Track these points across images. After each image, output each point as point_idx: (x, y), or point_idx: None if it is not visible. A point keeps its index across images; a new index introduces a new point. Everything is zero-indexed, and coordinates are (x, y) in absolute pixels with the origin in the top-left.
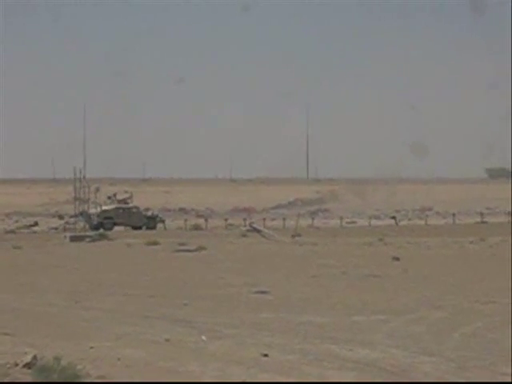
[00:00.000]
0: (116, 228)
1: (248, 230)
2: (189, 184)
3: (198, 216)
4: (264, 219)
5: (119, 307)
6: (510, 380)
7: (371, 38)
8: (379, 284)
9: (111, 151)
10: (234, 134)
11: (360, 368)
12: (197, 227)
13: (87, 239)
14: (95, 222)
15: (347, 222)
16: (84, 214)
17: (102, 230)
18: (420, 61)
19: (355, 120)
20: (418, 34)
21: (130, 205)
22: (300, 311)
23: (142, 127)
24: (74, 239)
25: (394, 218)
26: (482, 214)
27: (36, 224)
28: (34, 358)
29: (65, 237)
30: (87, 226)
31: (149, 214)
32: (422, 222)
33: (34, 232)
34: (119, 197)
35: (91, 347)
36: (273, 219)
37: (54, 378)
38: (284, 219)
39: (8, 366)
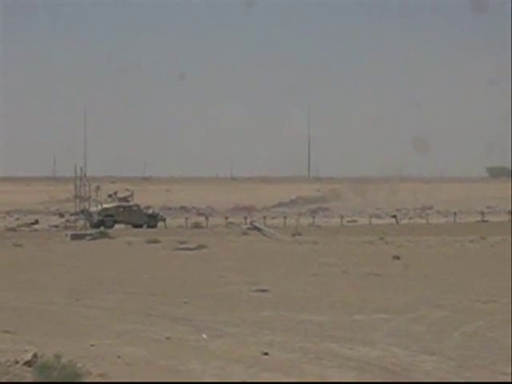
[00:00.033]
0: (117, 226)
1: (249, 229)
2: (189, 182)
3: (199, 214)
4: (264, 218)
5: (120, 305)
6: (510, 380)
7: (371, 38)
8: (380, 283)
9: (112, 149)
10: (234, 132)
11: (360, 367)
12: (197, 225)
13: (88, 237)
14: (96, 220)
15: (348, 221)
16: (85, 212)
17: (102, 228)
18: (420, 60)
19: (356, 119)
20: (418, 33)
21: (131, 203)
22: (300, 309)
23: (143, 126)
24: (74, 237)
25: (394, 216)
26: (482, 213)
27: (37, 222)
28: (35, 355)
29: (65, 235)
30: (88, 224)
31: (149, 212)
32: (423, 221)
33: (35, 230)
34: (120, 195)
35: (92, 345)
36: (273, 218)
37: (55, 375)
38: (285, 218)
39: (8, 363)
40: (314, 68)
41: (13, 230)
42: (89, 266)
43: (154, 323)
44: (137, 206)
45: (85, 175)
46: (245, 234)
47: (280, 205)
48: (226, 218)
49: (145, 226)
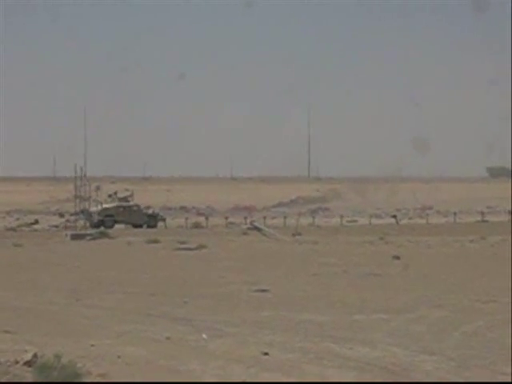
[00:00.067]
0: (117, 226)
1: (249, 229)
2: (189, 182)
3: (199, 214)
4: (264, 218)
5: (120, 305)
6: (510, 380)
7: (371, 38)
8: (380, 283)
9: (112, 149)
10: (234, 132)
11: (360, 367)
12: (197, 225)
13: (88, 237)
14: (96, 220)
15: (348, 221)
16: (85, 212)
17: (102, 228)
18: (420, 60)
19: (356, 119)
20: (417, 33)
21: (131, 203)
22: (300, 309)
23: (143, 126)
24: (74, 237)
25: (394, 216)
26: (482, 213)
27: (37, 222)
28: (35, 355)
29: (65, 235)
30: (88, 224)
31: (149, 212)
32: (423, 221)
33: (35, 230)
34: (120, 195)
35: (92, 345)
36: (273, 218)
37: (55, 375)
38: (285, 218)
39: (8, 363)
40: (314, 68)
41: (13, 229)
42: (89, 266)
43: (154, 323)
44: (137, 206)
45: (85, 175)
46: (245, 234)
47: (280, 205)
48: (226, 218)
49: (145, 226)
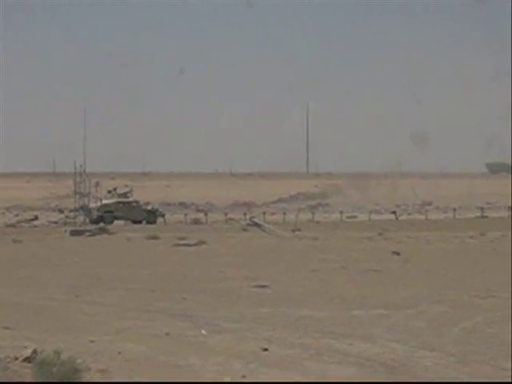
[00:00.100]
0: (116, 222)
1: (248, 225)
2: (189, 178)
3: (198, 210)
4: (264, 213)
5: (119, 301)
6: (510, 375)
7: (371, 35)
8: (379, 278)
9: (111, 145)
10: (234, 128)
11: (360, 362)
12: (197, 221)
13: (87, 233)
14: (95, 216)
15: (347, 217)
16: (84, 208)
17: (102, 224)
18: (421, 57)
19: (355, 115)
20: (417, 30)
21: (130, 199)
22: (300, 305)
23: (143, 121)
24: (74, 233)
25: (394, 212)
26: (482, 209)
27: (36, 218)
28: (34, 352)
29: (65, 231)
30: (87, 220)
31: (149, 208)
32: (423, 217)
33: (35, 226)
34: (119, 191)
35: (91, 341)
36: (273, 214)
37: (54, 372)
38: (284, 213)
39: (8, 360)
40: (314, 65)
41: (12, 226)
42: (88, 262)
43: (154, 319)
44: (136, 201)
45: (84, 171)
46: (244, 229)
47: (279, 201)
48: (226, 214)
49: (144, 221)
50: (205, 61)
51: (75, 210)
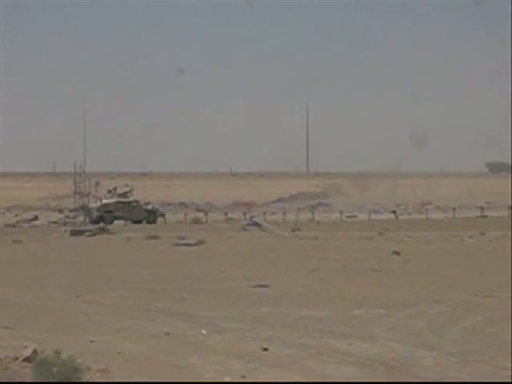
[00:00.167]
0: (116, 222)
1: (248, 224)
2: (189, 178)
3: (198, 210)
4: (264, 213)
5: (119, 301)
6: (510, 375)
7: (370, 34)
8: (379, 278)
9: (111, 145)
10: (234, 128)
11: (360, 362)
12: (197, 221)
13: (87, 233)
14: (95, 216)
15: (347, 216)
16: (84, 208)
17: (102, 224)
18: (420, 56)
19: (355, 114)
20: (417, 30)
21: (130, 199)
22: (300, 305)
23: (143, 121)
24: (74, 233)
25: (394, 212)
26: (482, 209)
27: (36, 218)
28: (34, 351)
29: (65, 231)
30: (87, 220)
31: (149, 207)
32: (422, 216)
33: (34, 226)
34: (119, 191)
35: (91, 341)
36: (273, 213)
37: (54, 371)
38: (284, 213)
39: (8, 359)
40: (314, 65)
41: (12, 225)
42: (88, 262)
43: (154, 319)
44: (136, 201)
45: (84, 171)
46: (244, 229)
47: (280, 200)
48: (226, 214)
49: (144, 221)
50: (205, 61)
51: (75, 209)
